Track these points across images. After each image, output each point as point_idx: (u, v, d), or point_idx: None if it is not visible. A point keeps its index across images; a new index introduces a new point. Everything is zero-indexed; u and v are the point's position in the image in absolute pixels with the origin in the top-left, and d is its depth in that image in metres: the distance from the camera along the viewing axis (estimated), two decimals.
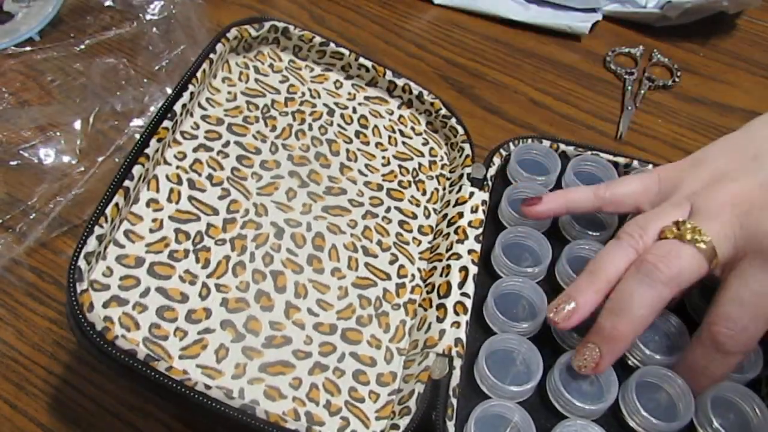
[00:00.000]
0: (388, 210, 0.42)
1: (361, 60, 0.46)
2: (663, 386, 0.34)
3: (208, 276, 0.34)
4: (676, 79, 0.60)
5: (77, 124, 0.48)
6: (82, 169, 0.46)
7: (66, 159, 0.47)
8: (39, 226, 0.43)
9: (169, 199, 0.36)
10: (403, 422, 0.33)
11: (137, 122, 0.49)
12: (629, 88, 0.59)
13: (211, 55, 0.39)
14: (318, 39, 0.45)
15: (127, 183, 0.33)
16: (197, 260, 0.35)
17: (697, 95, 0.60)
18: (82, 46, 0.54)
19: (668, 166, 0.37)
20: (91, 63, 0.53)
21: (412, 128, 0.47)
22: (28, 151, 0.47)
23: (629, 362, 0.36)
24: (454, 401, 0.33)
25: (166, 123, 0.36)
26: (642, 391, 0.33)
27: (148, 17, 0.55)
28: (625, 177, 0.39)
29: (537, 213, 0.38)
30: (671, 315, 0.36)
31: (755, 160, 0.34)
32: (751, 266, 0.31)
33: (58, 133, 0.48)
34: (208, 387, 0.29)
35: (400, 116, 0.47)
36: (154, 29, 0.54)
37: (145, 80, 0.52)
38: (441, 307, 0.37)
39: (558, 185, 0.44)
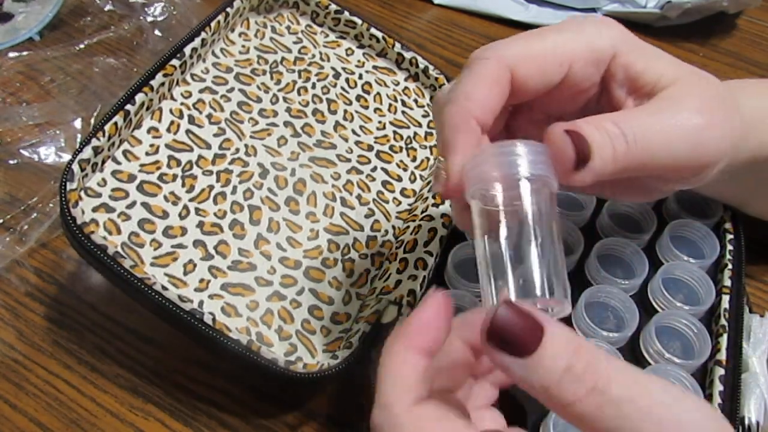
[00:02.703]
0: (374, 169, 0.44)
1: (373, 30, 0.48)
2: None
3: (191, 200, 0.38)
4: None
5: (77, 123, 0.48)
6: None
7: (66, 158, 0.46)
8: (40, 227, 0.43)
9: (168, 130, 0.40)
10: (342, 354, 0.35)
11: None
12: None
13: (228, 9, 0.43)
14: (333, 6, 0.48)
15: (128, 107, 0.37)
16: (183, 185, 0.38)
17: None
18: (82, 46, 0.54)
19: None
20: (91, 63, 0.52)
21: (415, 100, 0.49)
22: (28, 150, 0.47)
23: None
24: None
25: (174, 61, 0.40)
26: None
27: (148, 18, 0.55)
28: None
29: None
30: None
31: None
32: None
33: (58, 132, 0.47)
34: (165, 288, 0.33)
35: (405, 88, 0.49)
36: (156, 31, 0.54)
37: None
38: (403, 260, 0.39)
39: None
